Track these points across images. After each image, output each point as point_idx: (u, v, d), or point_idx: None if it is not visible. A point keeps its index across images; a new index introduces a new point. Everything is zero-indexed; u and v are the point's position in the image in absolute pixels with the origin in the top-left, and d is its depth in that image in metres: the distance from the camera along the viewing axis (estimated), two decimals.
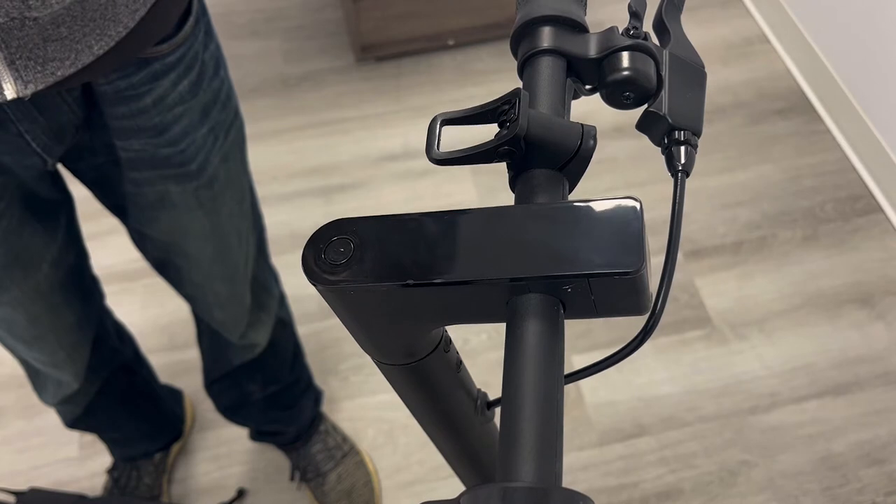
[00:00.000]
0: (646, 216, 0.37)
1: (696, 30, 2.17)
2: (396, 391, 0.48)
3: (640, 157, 1.92)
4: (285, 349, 1.31)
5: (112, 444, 1.41)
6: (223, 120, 0.93)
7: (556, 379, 0.35)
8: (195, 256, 1.03)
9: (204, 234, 0.99)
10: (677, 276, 1.71)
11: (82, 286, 1.07)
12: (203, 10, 0.87)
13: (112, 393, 1.23)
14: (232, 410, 1.38)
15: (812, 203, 1.83)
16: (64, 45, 0.68)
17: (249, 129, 1.88)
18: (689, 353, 1.62)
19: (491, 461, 0.58)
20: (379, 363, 0.44)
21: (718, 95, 2.04)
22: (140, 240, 1.05)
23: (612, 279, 0.35)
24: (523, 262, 0.36)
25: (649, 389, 1.57)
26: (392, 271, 0.38)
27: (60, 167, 0.96)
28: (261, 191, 1.86)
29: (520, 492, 0.30)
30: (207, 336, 1.26)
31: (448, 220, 0.39)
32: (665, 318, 1.62)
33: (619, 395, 1.56)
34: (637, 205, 0.37)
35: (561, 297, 0.37)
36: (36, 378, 1.14)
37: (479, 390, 0.56)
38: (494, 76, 2.12)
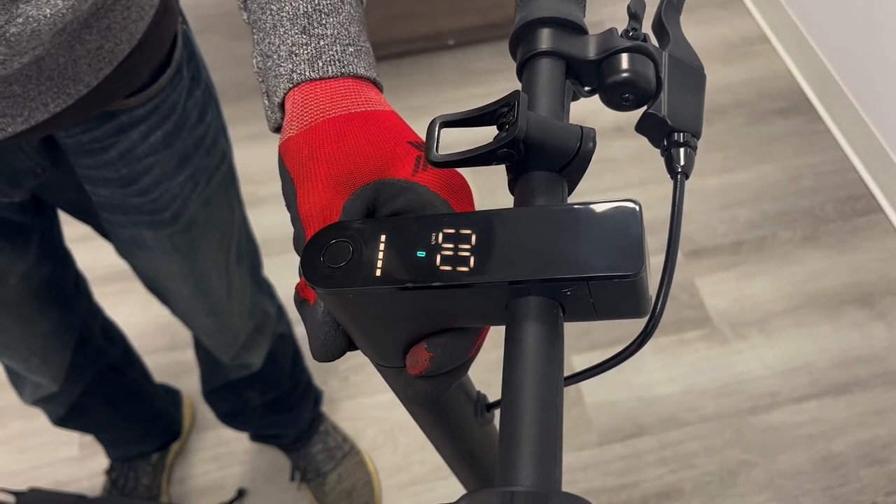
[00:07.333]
0: (645, 215, 0.37)
1: (696, 30, 2.16)
2: (396, 394, 0.47)
3: (639, 157, 1.92)
4: (284, 358, 1.31)
5: (106, 445, 1.41)
6: (206, 165, 0.88)
7: (555, 382, 0.35)
8: (176, 293, 1.02)
9: (182, 275, 0.97)
10: (677, 276, 1.71)
11: (61, 294, 1.05)
12: (191, 56, 0.82)
13: (99, 393, 1.22)
14: (231, 417, 1.38)
15: (812, 203, 1.83)
16: (16, 102, 0.65)
17: (251, 129, 1.86)
18: (689, 352, 1.62)
19: (491, 463, 0.58)
20: (378, 366, 0.44)
21: (718, 95, 2.04)
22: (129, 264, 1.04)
23: (612, 282, 0.35)
24: (523, 265, 0.36)
25: (649, 389, 1.57)
26: (391, 274, 0.38)
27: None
28: (263, 191, 1.87)
29: (519, 496, 0.30)
30: (203, 351, 1.26)
31: (446, 224, 0.39)
32: (665, 318, 1.62)
33: (619, 394, 1.56)
34: (637, 207, 0.37)
35: (560, 300, 0.37)
36: (15, 378, 1.14)
37: (478, 392, 0.56)
38: (494, 76, 2.12)
